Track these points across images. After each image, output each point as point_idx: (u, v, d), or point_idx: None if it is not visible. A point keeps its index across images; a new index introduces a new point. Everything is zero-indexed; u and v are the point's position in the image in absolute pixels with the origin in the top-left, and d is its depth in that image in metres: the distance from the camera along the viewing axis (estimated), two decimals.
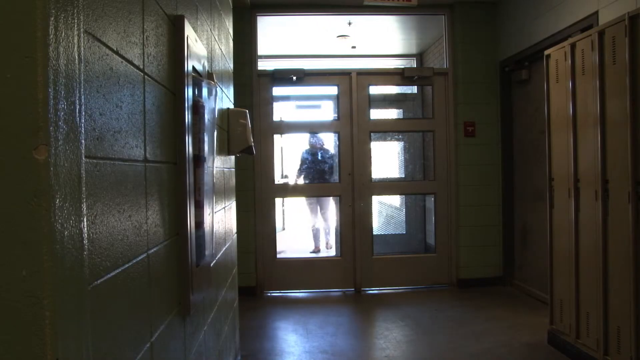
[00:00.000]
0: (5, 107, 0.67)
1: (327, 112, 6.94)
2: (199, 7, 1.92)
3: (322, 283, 5.02)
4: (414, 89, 6.21)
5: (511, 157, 4.90)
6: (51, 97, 0.69)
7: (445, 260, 5.07)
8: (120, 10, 1.02)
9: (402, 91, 6.27)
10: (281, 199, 5.16)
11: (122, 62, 1.02)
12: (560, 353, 3.18)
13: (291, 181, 5.82)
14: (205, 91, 1.79)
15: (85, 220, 0.81)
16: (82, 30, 0.81)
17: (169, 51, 1.42)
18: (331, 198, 5.76)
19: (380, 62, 6.88)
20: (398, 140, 6.53)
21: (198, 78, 1.71)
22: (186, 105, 1.51)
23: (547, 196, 3.32)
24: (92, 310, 0.84)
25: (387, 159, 6.54)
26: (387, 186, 5.56)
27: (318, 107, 6.91)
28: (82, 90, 0.81)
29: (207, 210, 1.76)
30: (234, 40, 3.17)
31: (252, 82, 4.88)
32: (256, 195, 4.89)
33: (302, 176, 5.86)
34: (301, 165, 5.90)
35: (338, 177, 5.14)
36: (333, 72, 5.15)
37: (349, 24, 5.39)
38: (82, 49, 0.81)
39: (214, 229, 2.03)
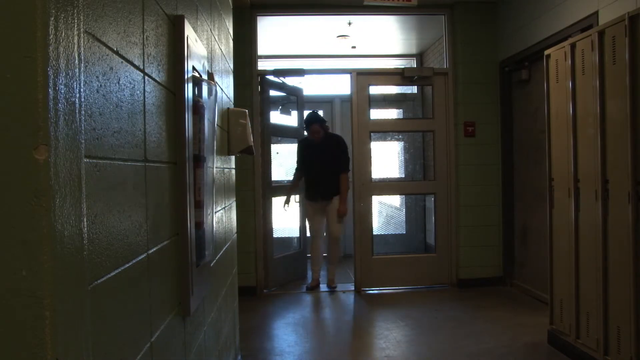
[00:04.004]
0: (5, 107, 0.67)
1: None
2: (199, 7, 1.92)
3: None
4: (414, 89, 6.21)
5: (511, 157, 4.90)
6: (51, 97, 0.69)
7: (445, 260, 5.07)
8: (120, 10, 1.02)
9: (402, 91, 6.28)
10: (279, 198, 5.16)
11: (122, 62, 1.02)
12: (561, 353, 3.18)
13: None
14: (205, 91, 1.79)
15: (85, 220, 0.81)
16: (82, 30, 0.81)
17: (169, 51, 1.42)
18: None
19: (380, 62, 6.88)
20: (398, 140, 6.53)
21: (198, 78, 1.71)
22: (186, 105, 1.51)
23: (547, 196, 3.32)
24: (92, 310, 0.84)
25: (387, 159, 6.54)
26: (387, 186, 5.57)
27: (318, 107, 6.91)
28: (82, 90, 0.81)
29: (207, 210, 1.76)
30: (234, 40, 3.17)
31: (252, 82, 4.89)
32: (256, 195, 4.89)
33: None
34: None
35: None
36: (333, 72, 5.15)
37: (349, 24, 5.39)
38: (82, 49, 0.81)
39: (214, 229, 2.03)
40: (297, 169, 5.13)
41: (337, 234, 4.93)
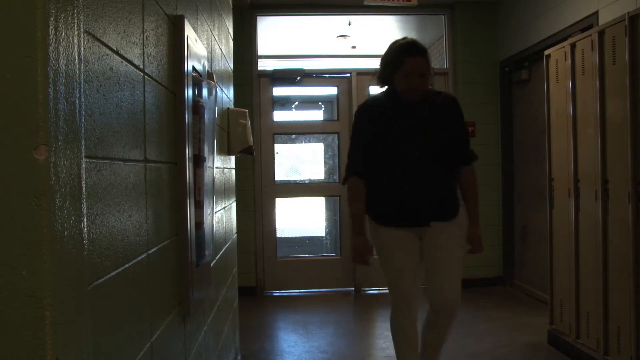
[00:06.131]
0: (5, 107, 0.67)
1: (327, 112, 6.95)
2: (199, 7, 1.92)
3: (322, 283, 5.02)
4: None
5: (511, 157, 4.90)
6: (51, 97, 0.69)
7: None
8: (120, 10, 1.02)
9: None
10: (281, 199, 5.15)
11: (122, 62, 1.02)
12: (561, 353, 3.17)
13: None
14: (205, 91, 1.79)
15: (85, 220, 0.81)
16: (82, 30, 0.81)
17: (169, 51, 1.42)
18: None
19: None
20: None
21: (198, 78, 1.72)
22: (186, 105, 1.51)
23: (547, 196, 3.32)
24: (92, 310, 0.84)
25: None
26: None
27: (318, 107, 6.92)
28: (82, 90, 0.81)
29: (207, 210, 1.76)
30: (234, 40, 3.17)
31: (252, 82, 4.88)
32: (256, 195, 4.89)
33: None
34: None
35: (338, 177, 5.14)
36: (333, 72, 5.16)
37: (349, 24, 5.39)
38: (82, 49, 0.81)
39: (214, 229, 2.03)
40: (351, 170, 2.39)
41: (456, 295, 2.55)
